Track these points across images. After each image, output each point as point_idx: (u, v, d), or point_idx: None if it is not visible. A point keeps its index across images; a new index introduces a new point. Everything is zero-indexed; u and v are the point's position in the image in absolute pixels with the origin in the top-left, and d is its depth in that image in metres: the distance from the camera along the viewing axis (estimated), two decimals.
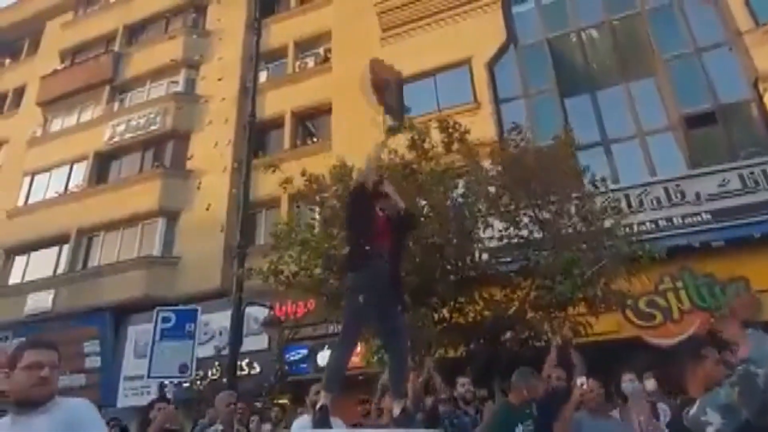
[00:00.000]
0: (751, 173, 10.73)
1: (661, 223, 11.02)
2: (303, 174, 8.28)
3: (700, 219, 10.85)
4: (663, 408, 5.26)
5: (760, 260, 9.96)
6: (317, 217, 8.80)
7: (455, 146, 8.08)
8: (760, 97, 11.44)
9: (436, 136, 8.27)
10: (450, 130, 8.09)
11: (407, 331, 4.09)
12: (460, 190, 7.78)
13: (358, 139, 13.38)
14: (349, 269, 3.55)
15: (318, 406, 3.41)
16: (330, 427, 3.25)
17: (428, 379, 5.22)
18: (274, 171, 8.73)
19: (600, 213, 7.70)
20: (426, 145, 8.01)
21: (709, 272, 10.47)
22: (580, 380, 4.68)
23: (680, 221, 10.97)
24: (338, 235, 8.00)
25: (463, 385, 5.32)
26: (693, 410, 2.53)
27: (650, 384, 5.80)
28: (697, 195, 10.97)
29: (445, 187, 7.59)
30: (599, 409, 4.60)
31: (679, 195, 11.13)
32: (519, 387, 4.52)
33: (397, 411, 3.43)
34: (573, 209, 7.68)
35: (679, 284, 10.66)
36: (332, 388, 3.49)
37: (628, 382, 5.92)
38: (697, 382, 2.70)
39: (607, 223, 7.65)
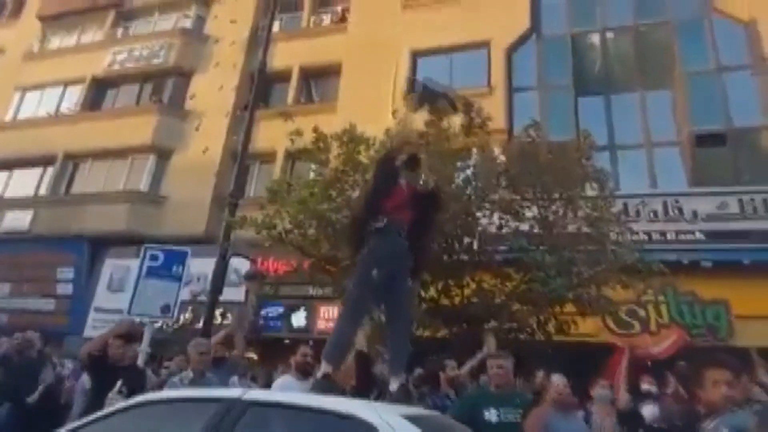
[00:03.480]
0: (752, 200, 10.74)
1: (654, 236, 11.02)
2: (315, 130, 8.06)
3: (693, 237, 10.88)
4: None
5: (745, 287, 10.05)
6: (315, 176, 8.61)
7: (474, 131, 7.88)
8: None
9: (454, 117, 8.05)
10: (472, 114, 7.88)
11: (411, 309, 4.01)
12: (469, 172, 7.62)
13: (364, 105, 13.17)
14: (366, 240, 3.44)
15: (321, 374, 3.44)
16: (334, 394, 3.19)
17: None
18: (286, 120, 8.50)
19: (608, 220, 7.61)
20: (444, 124, 7.81)
21: (691, 290, 10.60)
22: (554, 378, 4.61)
23: (673, 236, 10.99)
24: (337, 198, 7.85)
25: (453, 368, 5.25)
26: (710, 427, 2.55)
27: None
28: (694, 213, 10.98)
29: (455, 167, 7.43)
30: (567, 407, 4.53)
31: (676, 210, 11.14)
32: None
33: (394, 387, 3.34)
34: (580, 212, 7.57)
35: (662, 298, 10.73)
36: (336, 362, 3.50)
37: (600, 389, 5.99)
38: (712, 397, 2.64)
39: (614, 230, 7.57)
